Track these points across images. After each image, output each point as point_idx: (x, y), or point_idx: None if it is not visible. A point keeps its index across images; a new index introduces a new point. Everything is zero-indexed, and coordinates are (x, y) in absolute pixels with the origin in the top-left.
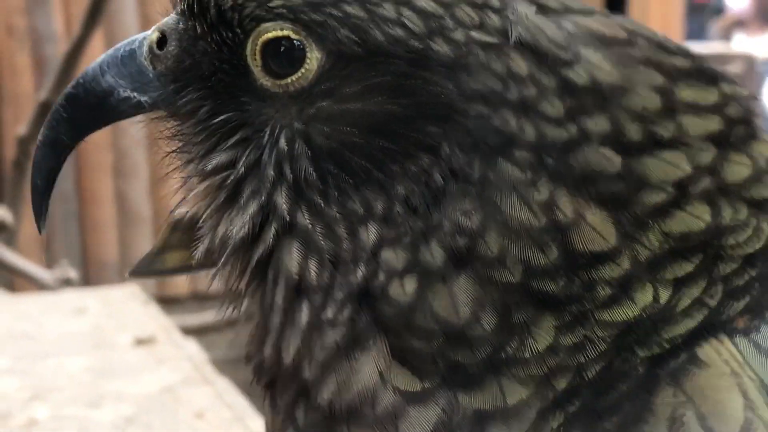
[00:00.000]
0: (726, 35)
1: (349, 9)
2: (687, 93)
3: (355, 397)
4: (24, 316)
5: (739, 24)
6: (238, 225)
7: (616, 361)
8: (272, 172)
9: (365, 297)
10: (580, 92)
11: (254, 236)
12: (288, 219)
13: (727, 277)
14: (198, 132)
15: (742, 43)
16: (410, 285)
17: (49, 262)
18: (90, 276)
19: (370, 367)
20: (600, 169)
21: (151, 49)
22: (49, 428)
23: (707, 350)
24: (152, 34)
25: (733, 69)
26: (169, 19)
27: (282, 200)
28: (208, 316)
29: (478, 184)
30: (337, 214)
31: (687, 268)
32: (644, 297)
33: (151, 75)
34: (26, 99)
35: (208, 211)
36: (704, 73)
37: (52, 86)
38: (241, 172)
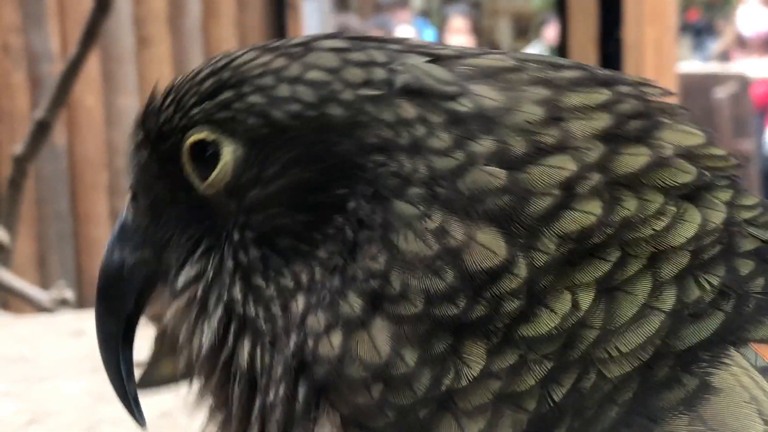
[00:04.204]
0: (726, 56)
1: (251, 99)
2: (574, 99)
3: None
4: (20, 339)
5: (740, 46)
6: (210, 333)
7: (583, 381)
8: (230, 270)
9: (302, 369)
10: (465, 121)
11: (221, 341)
12: (242, 312)
13: (679, 277)
14: (175, 256)
15: (743, 65)
16: (336, 339)
17: (44, 282)
18: (85, 296)
19: None
20: (486, 186)
21: (129, 207)
22: None
23: (722, 376)
24: (128, 195)
25: (728, 89)
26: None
27: (237, 294)
28: None
29: (379, 228)
30: (274, 293)
31: (603, 267)
32: (561, 304)
33: (139, 229)
34: (21, 117)
35: (185, 327)
36: (595, 79)
37: (48, 105)
38: (208, 280)
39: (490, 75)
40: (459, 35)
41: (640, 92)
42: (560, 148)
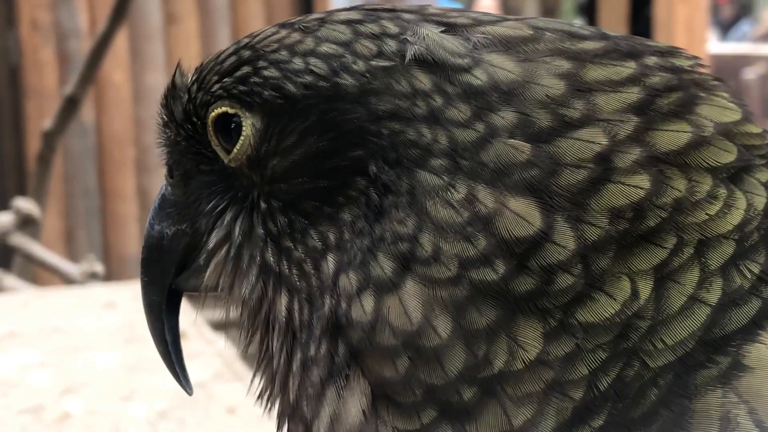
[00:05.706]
0: (762, 40)
1: (266, 72)
2: (597, 72)
3: None
4: (54, 311)
5: None
6: (248, 288)
7: (626, 370)
8: (261, 236)
9: (339, 329)
10: (481, 93)
11: (260, 295)
12: (277, 270)
13: (724, 268)
14: (204, 221)
15: None
16: (368, 303)
17: (72, 257)
18: (112, 270)
19: (354, 404)
20: (510, 159)
21: (167, 181)
22: (83, 422)
23: (757, 351)
24: (164, 170)
25: (757, 70)
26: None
27: (270, 257)
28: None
29: (406, 194)
30: (302, 254)
31: (660, 254)
32: (621, 291)
33: (176, 202)
34: (50, 93)
35: (222, 280)
36: (618, 50)
37: (77, 81)
38: (237, 241)
39: (506, 44)
40: None
41: (670, 63)
42: (588, 121)
